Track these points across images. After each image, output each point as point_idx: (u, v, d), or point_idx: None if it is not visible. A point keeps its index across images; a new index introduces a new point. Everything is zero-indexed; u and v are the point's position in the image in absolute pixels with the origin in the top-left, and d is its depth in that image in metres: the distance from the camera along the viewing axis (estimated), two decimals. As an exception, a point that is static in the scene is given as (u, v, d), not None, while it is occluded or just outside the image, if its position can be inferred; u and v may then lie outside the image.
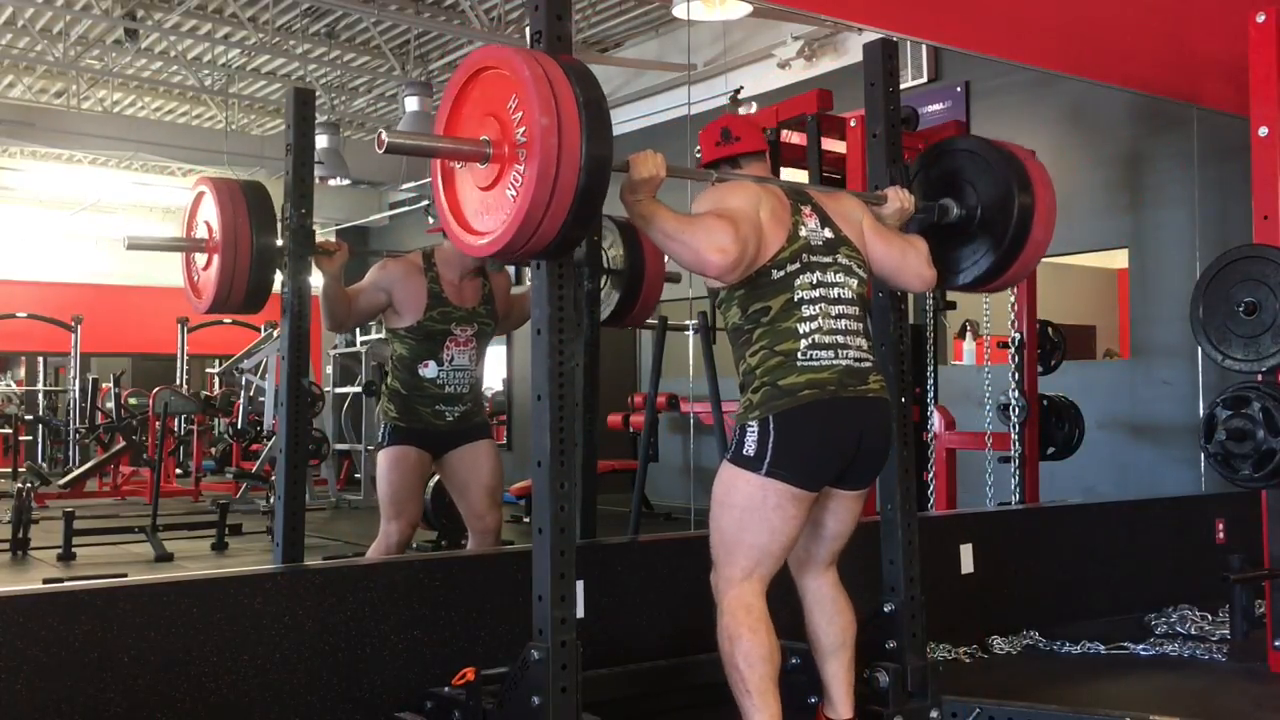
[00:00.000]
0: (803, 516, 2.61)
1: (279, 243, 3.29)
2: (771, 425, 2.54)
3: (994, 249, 3.07)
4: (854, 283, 2.70)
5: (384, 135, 2.26)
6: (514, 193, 2.24)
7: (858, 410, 2.60)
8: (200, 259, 3.32)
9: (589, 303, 3.79)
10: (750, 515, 2.57)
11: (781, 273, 2.62)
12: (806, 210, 2.71)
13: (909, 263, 2.85)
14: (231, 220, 3.17)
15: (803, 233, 2.66)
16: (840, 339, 2.62)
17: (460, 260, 3.81)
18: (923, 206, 3.06)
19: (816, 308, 2.61)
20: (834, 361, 2.59)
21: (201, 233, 3.27)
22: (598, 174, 2.23)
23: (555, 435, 2.43)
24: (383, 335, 10.24)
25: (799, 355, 2.58)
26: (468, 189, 2.41)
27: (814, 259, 2.65)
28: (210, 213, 3.23)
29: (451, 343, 3.82)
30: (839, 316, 2.64)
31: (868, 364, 2.66)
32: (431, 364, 3.79)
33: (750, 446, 2.57)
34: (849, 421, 2.59)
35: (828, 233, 2.71)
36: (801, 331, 2.59)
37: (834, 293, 2.65)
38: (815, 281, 2.63)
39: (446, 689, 2.74)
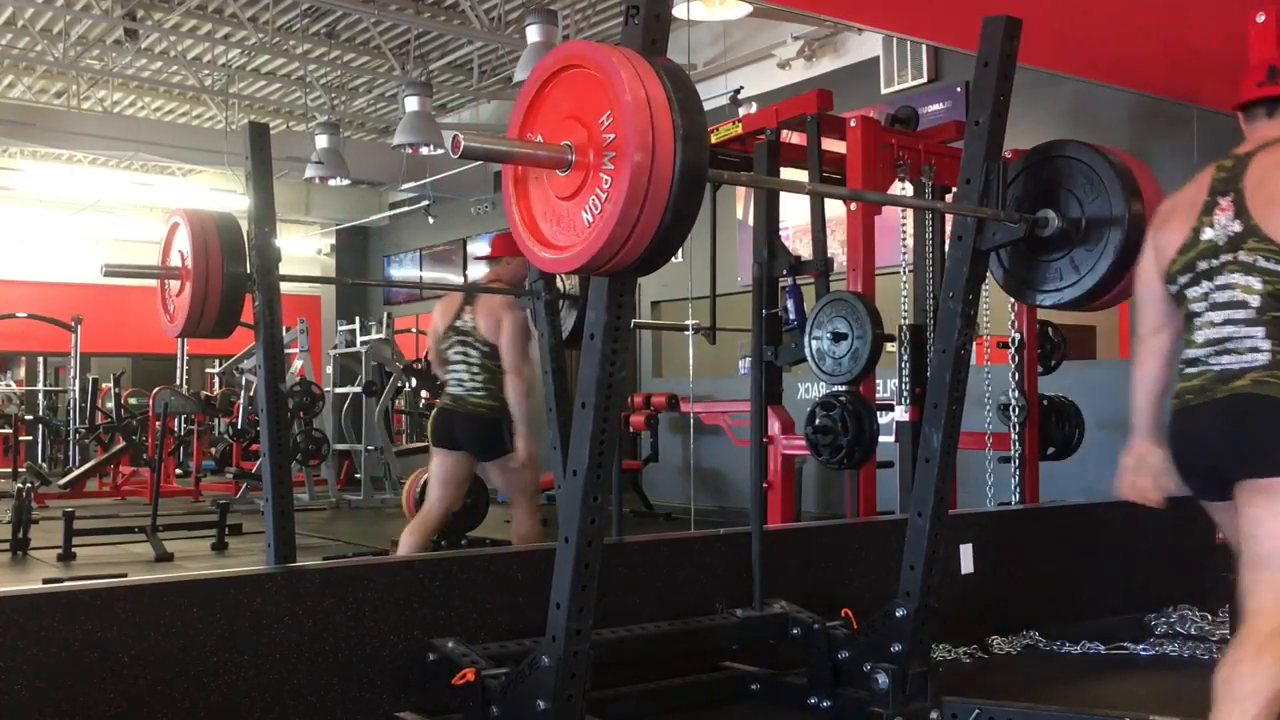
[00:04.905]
0: (1227, 526, 2.55)
1: (248, 271, 3.40)
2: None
3: (1101, 265, 2.86)
4: (1254, 281, 2.33)
5: (460, 139, 2.03)
6: (598, 204, 2.06)
7: (1204, 416, 2.39)
8: (174, 285, 3.47)
9: (549, 312, 3.82)
10: None
11: (1175, 287, 2.46)
12: (1224, 203, 2.38)
13: None
14: (203, 250, 3.31)
15: (1205, 236, 2.40)
16: (1223, 344, 2.37)
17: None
18: (1015, 219, 2.79)
19: (1203, 318, 2.41)
20: (1206, 369, 2.39)
21: (175, 261, 3.43)
22: (693, 187, 2.04)
23: (595, 446, 2.33)
24: (383, 336, 10.30)
25: (1182, 366, 2.46)
26: (543, 199, 2.21)
27: (1210, 264, 2.39)
28: (184, 243, 3.37)
29: None
30: (1224, 323, 2.38)
31: (1244, 365, 2.33)
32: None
33: None
34: (1194, 429, 2.43)
35: (1237, 225, 2.36)
36: (1187, 339, 2.46)
37: (1223, 296, 2.38)
38: (1204, 293, 2.41)
39: (447, 688, 2.74)
